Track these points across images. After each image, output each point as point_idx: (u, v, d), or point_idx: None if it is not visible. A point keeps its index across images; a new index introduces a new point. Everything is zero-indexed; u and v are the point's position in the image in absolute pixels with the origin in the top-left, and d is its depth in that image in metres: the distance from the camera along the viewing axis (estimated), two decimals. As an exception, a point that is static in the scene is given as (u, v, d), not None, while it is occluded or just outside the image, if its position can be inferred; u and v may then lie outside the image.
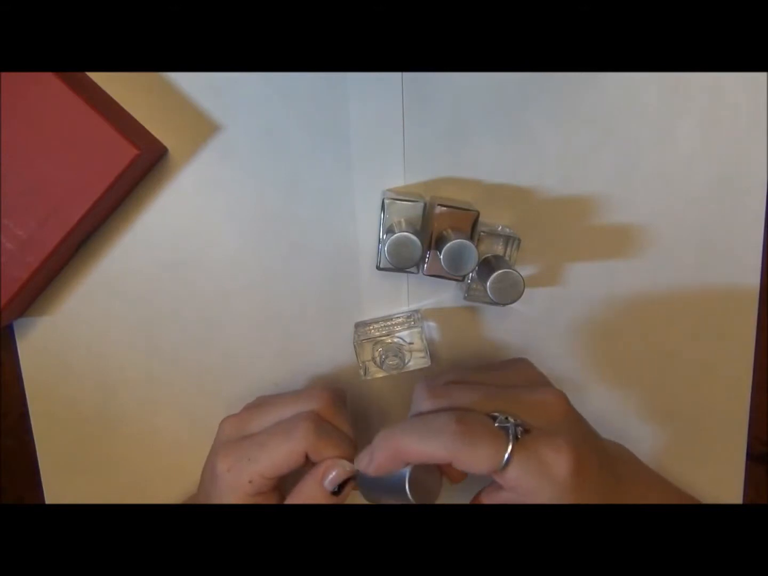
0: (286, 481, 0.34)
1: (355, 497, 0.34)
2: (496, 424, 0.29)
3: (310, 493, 0.33)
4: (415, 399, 0.34)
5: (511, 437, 0.28)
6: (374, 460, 0.30)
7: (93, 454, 0.42)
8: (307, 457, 0.33)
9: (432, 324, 0.42)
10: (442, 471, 0.33)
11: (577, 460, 0.28)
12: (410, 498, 0.31)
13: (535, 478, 0.29)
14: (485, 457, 0.28)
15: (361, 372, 0.40)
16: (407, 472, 0.31)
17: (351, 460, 0.33)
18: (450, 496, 0.34)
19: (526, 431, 0.29)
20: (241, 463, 0.33)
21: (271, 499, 0.34)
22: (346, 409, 0.37)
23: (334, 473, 0.33)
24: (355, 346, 0.40)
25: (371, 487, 0.32)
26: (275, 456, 0.32)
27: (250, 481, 0.32)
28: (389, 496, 0.32)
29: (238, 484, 0.33)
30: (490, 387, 0.32)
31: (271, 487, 0.33)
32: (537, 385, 0.33)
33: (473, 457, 0.28)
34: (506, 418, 0.29)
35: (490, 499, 0.32)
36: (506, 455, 0.28)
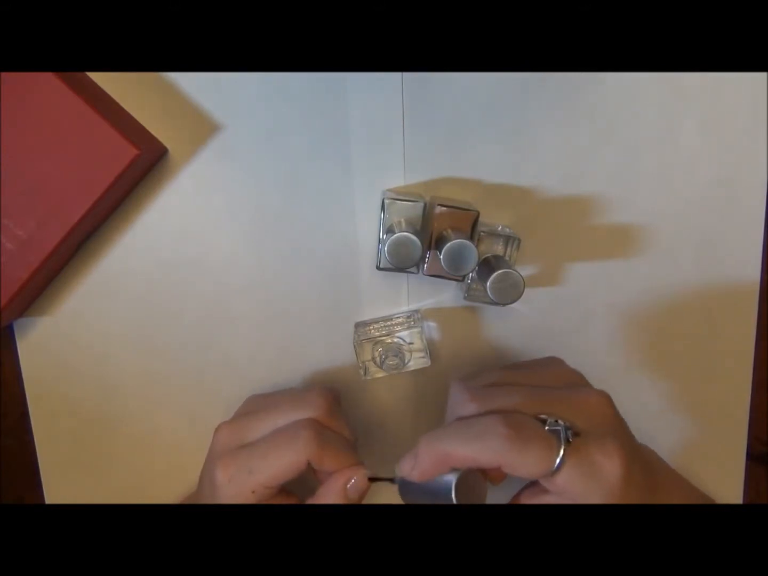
0: (289, 483, 0.34)
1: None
2: (546, 428, 0.28)
3: (331, 501, 0.33)
4: (455, 402, 0.33)
5: (562, 441, 0.28)
6: (419, 466, 0.30)
7: (93, 454, 0.42)
8: (308, 464, 0.33)
9: (432, 324, 0.42)
10: (484, 473, 0.32)
11: (626, 464, 0.28)
12: (455, 503, 0.30)
13: (586, 483, 0.28)
14: (537, 461, 0.28)
15: (361, 372, 0.40)
16: (454, 477, 0.30)
17: (354, 464, 0.33)
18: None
19: (575, 434, 0.28)
20: (242, 475, 0.32)
21: (275, 502, 0.34)
22: (342, 412, 0.36)
23: (354, 480, 0.32)
24: (355, 346, 0.40)
25: (413, 491, 0.32)
26: (277, 466, 0.32)
27: (252, 492, 0.32)
28: (433, 500, 0.31)
29: (240, 496, 0.32)
30: (534, 388, 0.31)
31: (273, 494, 0.33)
32: (578, 385, 0.32)
33: (524, 461, 0.28)
34: (556, 421, 0.28)
35: (532, 501, 0.31)
36: (558, 459, 0.28)
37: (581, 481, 0.28)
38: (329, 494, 0.33)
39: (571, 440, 0.28)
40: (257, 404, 0.37)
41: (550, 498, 0.30)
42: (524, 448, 0.28)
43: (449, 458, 0.29)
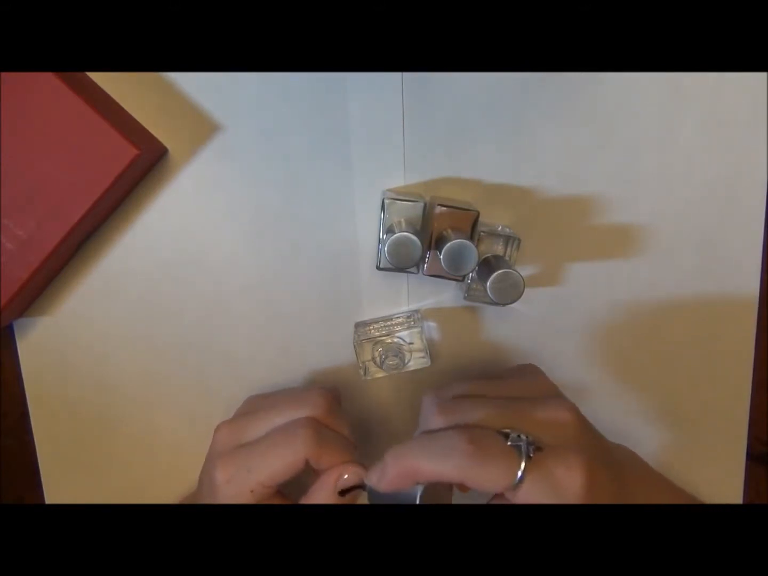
0: (287, 483, 0.34)
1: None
2: (508, 443, 0.28)
3: (322, 499, 0.33)
4: (424, 415, 0.33)
5: (523, 456, 0.28)
6: (385, 477, 0.30)
7: (93, 454, 0.42)
8: (307, 462, 0.33)
9: (432, 324, 0.42)
10: (450, 484, 0.32)
11: (588, 476, 0.28)
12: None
13: (547, 497, 0.28)
14: (497, 476, 0.28)
15: (361, 372, 0.40)
16: (419, 489, 0.30)
17: (352, 464, 0.33)
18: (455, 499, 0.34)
19: (538, 449, 0.28)
20: (240, 474, 0.32)
21: (273, 502, 0.34)
22: (342, 411, 0.36)
23: (346, 477, 0.33)
24: (355, 346, 0.40)
25: (381, 498, 0.32)
26: (276, 465, 0.32)
27: (251, 491, 0.32)
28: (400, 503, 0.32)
29: (239, 495, 0.32)
30: (500, 401, 0.31)
31: (272, 494, 0.33)
32: (547, 397, 0.32)
33: (485, 476, 0.28)
34: (518, 436, 0.29)
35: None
36: (519, 474, 0.28)
37: (543, 495, 0.28)
38: (321, 491, 0.33)
39: (532, 455, 0.28)
40: (256, 404, 0.37)
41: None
42: (485, 464, 0.28)
43: (414, 473, 0.29)
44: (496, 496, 0.31)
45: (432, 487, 0.31)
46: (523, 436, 0.29)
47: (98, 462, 0.43)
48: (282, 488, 0.34)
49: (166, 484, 0.43)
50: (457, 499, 0.41)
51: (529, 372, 0.36)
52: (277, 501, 0.34)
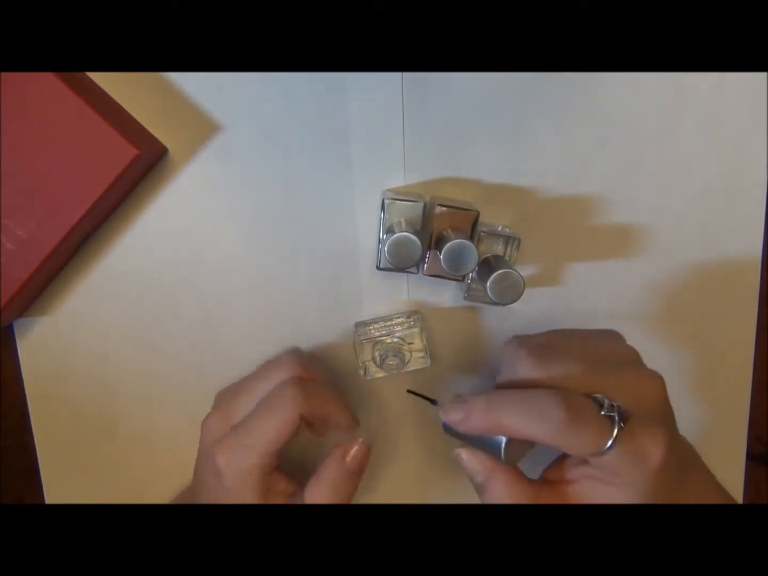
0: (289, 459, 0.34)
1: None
2: (602, 412, 0.28)
3: (333, 475, 0.34)
4: (511, 357, 0.33)
5: (616, 426, 0.28)
6: (469, 423, 0.30)
7: (93, 454, 0.42)
8: (301, 420, 0.33)
9: (432, 324, 0.42)
10: None
11: (669, 453, 0.29)
12: (503, 460, 0.31)
13: (630, 465, 0.29)
14: (589, 443, 0.28)
15: (361, 372, 0.40)
16: (503, 441, 0.31)
17: (345, 409, 0.36)
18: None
19: (627, 418, 0.29)
20: (240, 452, 0.33)
21: (280, 482, 0.35)
22: (316, 362, 0.38)
23: (355, 449, 0.34)
24: (355, 346, 0.40)
25: (456, 433, 0.32)
26: (272, 431, 0.33)
27: (253, 464, 0.33)
28: (477, 446, 0.32)
29: (243, 475, 0.33)
30: (588, 361, 0.31)
31: (274, 466, 0.34)
32: (634, 364, 0.32)
33: (577, 443, 0.28)
34: (612, 405, 0.29)
35: (571, 474, 0.32)
36: (609, 443, 0.28)
37: (627, 465, 0.28)
38: (331, 468, 0.34)
39: (624, 425, 0.28)
40: (230, 392, 0.38)
41: (589, 471, 0.30)
42: (580, 432, 0.28)
43: (503, 429, 0.30)
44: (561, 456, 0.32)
45: (517, 441, 0.31)
46: (615, 405, 0.29)
47: (98, 462, 0.43)
48: (285, 468, 0.35)
49: (166, 484, 0.43)
50: (457, 498, 0.41)
51: (613, 337, 0.35)
52: (281, 480, 0.35)
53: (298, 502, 0.34)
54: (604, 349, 0.33)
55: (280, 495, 0.35)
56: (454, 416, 0.31)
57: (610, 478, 0.29)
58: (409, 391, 0.36)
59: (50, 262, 0.36)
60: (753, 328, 0.42)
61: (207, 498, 0.35)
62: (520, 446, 0.32)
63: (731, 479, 0.44)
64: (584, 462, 0.31)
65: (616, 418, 0.28)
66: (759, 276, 0.42)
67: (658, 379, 0.31)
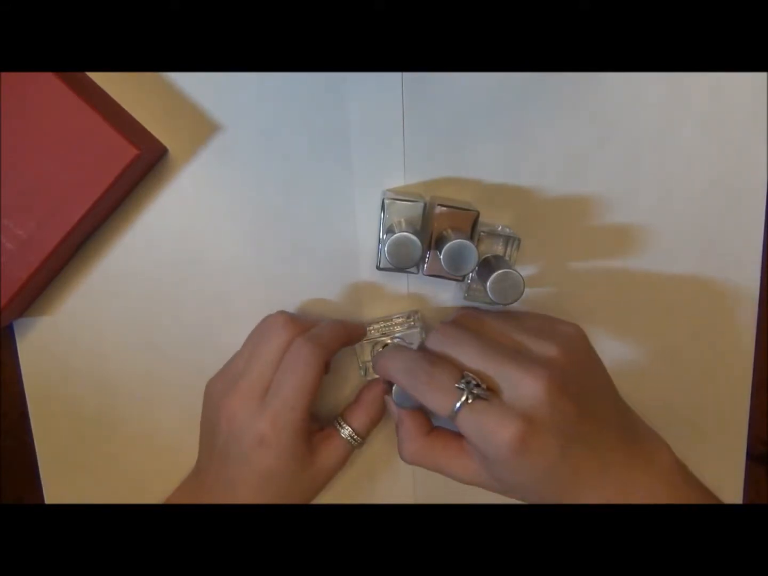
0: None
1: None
2: (457, 385, 0.32)
3: (370, 395, 0.39)
4: (434, 328, 0.36)
5: (459, 401, 0.32)
6: (374, 366, 0.37)
7: (93, 454, 0.42)
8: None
9: (432, 324, 0.42)
10: None
11: (521, 438, 0.30)
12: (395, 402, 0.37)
13: (476, 439, 0.32)
14: (436, 406, 0.32)
15: (361, 372, 0.40)
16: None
17: (351, 330, 0.39)
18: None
19: (480, 398, 0.32)
20: (284, 415, 0.35)
21: (313, 425, 0.38)
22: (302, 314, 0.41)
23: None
24: (355, 347, 0.40)
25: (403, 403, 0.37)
26: (305, 386, 0.35)
27: (302, 421, 0.35)
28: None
29: (296, 432, 0.35)
30: (488, 349, 0.33)
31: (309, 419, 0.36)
32: (536, 361, 0.33)
33: (427, 401, 0.33)
34: (468, 382, 0.32)
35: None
36: (449, 412, 0.32)
37: (473, 436, 0.32)
38: (368, 392, 0.39)
39: (471, 401, 0.31)
40: (230, 374, 0.38)
41: (462, 439, 0.35)
42: (431, 393, 0.33)
43: (388, 375, 0.36)
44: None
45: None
46: (473, 383, 0.32)
47: (98, 462, 0.43)
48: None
49: (166, 484, 0.43)
50: (457, 499, 0.41)
51: (558, 335, 0.35)
52: (312, 423, 0.37)
53: (328, 434, 0.38)
54: (514, 338, 0.35)
55: (319, 437, 0.38)
56: (373, 358, 0.38)
57: (470, 442, 0.33)
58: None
59: (50, 262, 0.36)
60: (753, 328, 0.42)
61: (233, 472, 0.35)
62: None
63: (731, 479, 0.44)
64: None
65: (466, 391, 0.32)
66: (759, 276, 0.42)
67: (544, 378, 0.31)
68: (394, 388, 0.37)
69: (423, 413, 0.37)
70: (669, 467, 0.33)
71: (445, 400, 0.32)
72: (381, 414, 0.40)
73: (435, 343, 0.35)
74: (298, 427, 0.35)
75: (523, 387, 0.31)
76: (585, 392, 0.33)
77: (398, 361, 0.35)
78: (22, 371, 0.41)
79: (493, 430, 0.31)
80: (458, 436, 0.35)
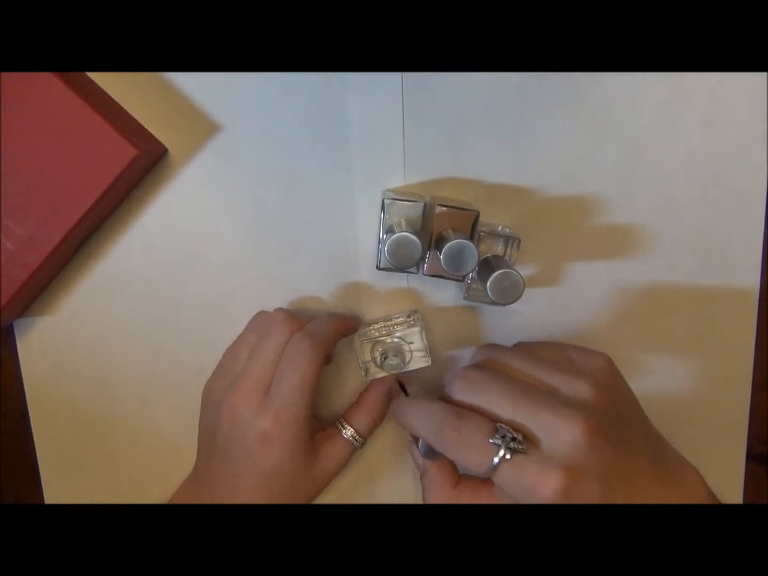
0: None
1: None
2: (491, 440, 0.30)
3: (371, 395, 0.40)
4: (452, 373, 0.35)
5: (497, 456, 0.30)
6: (395, 415, 0.36)
7: (93, 454, 0.42)
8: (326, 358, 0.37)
9: (432, 324, 0.42)
10: None
11: (564, 489, 0.29)
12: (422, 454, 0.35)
13: (519, 495, 0.30)
14: (470, 464, 0.31)
15: (362, 372, 0.40)
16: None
17: (347, 321, 0.39)
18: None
19: (519, 452, 0.30)
20: (287, 411, 0.34)
21: (313, 423, 0.37)
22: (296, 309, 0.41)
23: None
24: (355, 347, 0.40)
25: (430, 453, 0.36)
26: (306, 382, 0.35)
27: (305, 417, 0.35)
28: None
29: (299, 427, 0.35)
30: (519, 395, 0.32)
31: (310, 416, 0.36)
32: (570, 404, 0.31)
33: (460, 459, 0.31)
34: (504, 436, 0.30)
35: (475, 489, 0.34)
36: (486, 469, 0.30)
37: (516, 492, 0.30)
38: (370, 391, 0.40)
39: (510, 456, 0.30)
40: (225, 374, 0.38)
41: (491, 486, 0.33)
42: (463, 451, 0.31)
43: (412, 429, 0.34)
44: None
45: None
46: (509, 436, 0.30)
47: (98, 462, 0.43)
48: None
49: (166, 484, 0.43)
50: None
51: (588, 369, 0.34)
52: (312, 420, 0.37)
53: (330, 434, 0.38)
54: (556, 380, 0.33)
55: (321, 437, 0.38)
56: (392, 407, 0.37)
57: (509, 494, 0.31)
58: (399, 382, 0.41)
59: (50, 262, 0.36)
60: (753, 328, 0.42)
61: (236, 471, 0.35)
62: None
63: (731, 479, 0.44)
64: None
65: (503, 446, 0.30)
66: (759, 275, 0.42)
67: (581, 423, 0.30)
68: (420, 441, 0.35)
69: (449, 463, 0.35)
70: (699, 494, 0.33)
71: (480, 457, 0.30)
72: (383, 415, 0.40)
73: (459, 392, 0.33)
74: (300, 424, 0.35)
75: (560, 433, 0.30)
76: (619, 426, 0.32)
77: (422, 417, 0.33)
78: (22, 371, 0.41)
79: (534, 483, 0.29)
80: (487, 483, 0.33)
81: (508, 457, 0.30)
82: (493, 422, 0.31)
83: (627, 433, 0.32)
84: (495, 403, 0.32)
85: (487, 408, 0.32)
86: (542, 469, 0.29)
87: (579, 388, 0.32)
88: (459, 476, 0.35)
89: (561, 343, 0.37)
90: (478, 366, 0.35)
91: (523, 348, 0.37)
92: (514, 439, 0.30)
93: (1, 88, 0.34)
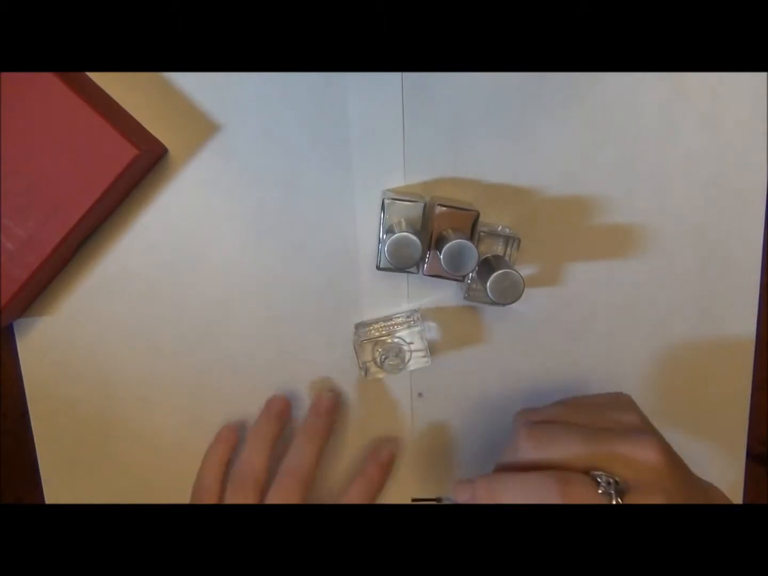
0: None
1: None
2: (599, 491, 0.29)
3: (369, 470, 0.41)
4: (514, 437, 0.34)
5: (613, 500, 0.29)
6: (476, 501, 0.32)
7: (93, 454, 0.42)
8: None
9: (432, 324, 0.42)
10: None
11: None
12: None
13: None
14: None
15: (362, 372, 0.40)
16: None
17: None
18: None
19: (623, 492, 0.29)
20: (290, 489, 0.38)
21: None
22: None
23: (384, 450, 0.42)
24: (355, 347, 0.40)
25: None
26: (311, 463, 0.39)
27: (303, 497, 0.38)
28: None
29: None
30: (589, 434, 0.32)
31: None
32: (638, 432, 0.32)
33: None
34: (608, 483, 0.29)
35: None
36: None
37: None
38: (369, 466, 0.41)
39: (622, 500, 0.29)
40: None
41: None
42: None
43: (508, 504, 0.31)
44: None
45: None
46: (612, 481, 0.29)
47: (98, 462, 0.43)
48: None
49: (166, 484, 0.43)
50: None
51: (622, 403, 0.35)
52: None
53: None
54: (609, 419, 0.33)
55: None
56: (462, 497, 0.33)
57: None
58: (414, 500, 0.43)
59: (50, 262, 0.36)
60: (753, 328, 0.42)
61: None
62: None
63: (731, 479, 0.44)
64: None
65: (614, 494, 0.29)
66: (759, 275, 0.42)
67: (660, 450, 0.31)
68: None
69: None
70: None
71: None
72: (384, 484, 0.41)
73: (531, 451, 0.32)
74: (302, 497, 0.38)
75: (642, 460, 0.30)
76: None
77: (522, 493, 0.31)
78: (22, 371, 0.41)
79: None
80: None
81: (619, 501, 0.29)
82: (586, 473, 0.30)
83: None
84: (569, 450, 0.31)
85: (561, 458, 0.31)
86: (646, 498, 0.29)
87: (627, 416, 0.33)
88: None
89: (580, 395, 0.37)
90: (534, 422, 0.34)
91: (557, 403, 0.37)
92: (615, 482, 0.30)
93: (1, 88, 0.34)
